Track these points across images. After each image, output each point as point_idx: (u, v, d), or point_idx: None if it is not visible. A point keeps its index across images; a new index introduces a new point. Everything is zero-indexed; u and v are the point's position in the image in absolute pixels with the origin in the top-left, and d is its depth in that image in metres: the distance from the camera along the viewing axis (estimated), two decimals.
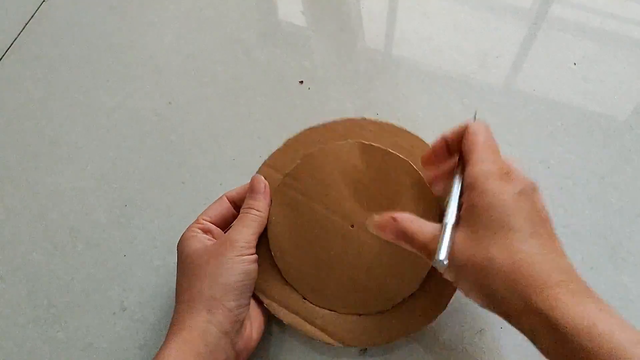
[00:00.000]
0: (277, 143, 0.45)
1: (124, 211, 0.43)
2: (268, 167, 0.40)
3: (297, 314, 0.36)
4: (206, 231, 0.35)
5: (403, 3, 0.55)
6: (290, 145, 0.40)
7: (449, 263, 0.28)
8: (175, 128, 0.47)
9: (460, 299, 0.38)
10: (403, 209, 0.32)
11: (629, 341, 0.24)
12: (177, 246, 0.35)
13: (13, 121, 0.48)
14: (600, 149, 0.45)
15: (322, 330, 0.36)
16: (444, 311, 0.36)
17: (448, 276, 0.29)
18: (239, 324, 0.33)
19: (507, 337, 0.37)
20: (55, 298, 0.40)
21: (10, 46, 0.53)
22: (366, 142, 0.38)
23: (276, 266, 0.37)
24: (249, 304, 0.34)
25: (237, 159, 0.45)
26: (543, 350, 0.26)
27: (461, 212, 0.29)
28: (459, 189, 0.31)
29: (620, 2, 0.53)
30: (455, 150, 0.33)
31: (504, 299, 0.27)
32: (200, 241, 0.34)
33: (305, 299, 0.37)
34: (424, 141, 0.39)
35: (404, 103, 0.47)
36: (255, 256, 0.34)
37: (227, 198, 0.38)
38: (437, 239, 0.29)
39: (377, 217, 0.32)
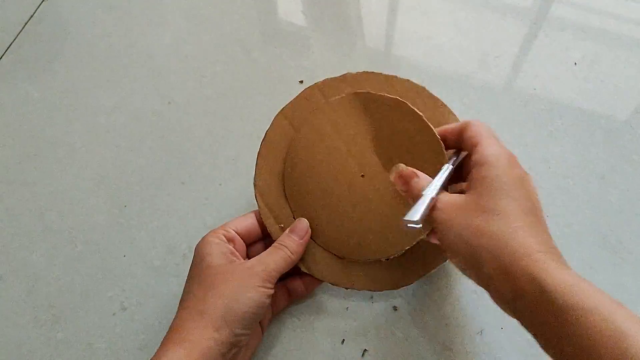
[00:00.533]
0: None
1: (124, 211, 0.43)
2: (318, 88, 0.41)
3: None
4: (229, 239, 0.35)
5: (403, 3, 0.54)
6: (347, 79, 0.41)
7: (442, 220, 0.31)
8: (175, 128, 0.47)
9: (461, 300, 0.38)
10: (415, 162, 0.36)
11: (609, 301, 0.25)
12: (197, 248, 0.35)
13: (13, 121, 0.48)
14: (600, 148, 0.45)
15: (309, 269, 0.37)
16: (445, 310, 0.36)
17: (436, 234, 0.32)
18: (238, 349, 0.33)
19: (507, 337, 0.37)
20: (55, 299, 0.40)
21: (9, 46, 0.53)
22: (410, 108, 0.38)
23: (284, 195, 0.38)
24: (252, 331, 0.34)
25: (237, 159, 0.45)
26: (522, 312, 0.28)
27: (470, 182, 0.32)
28: (449, 171, 0.34)
29: (620, 2, 0.53)
30: (449, 146, 0.36)
31: (489, 261, 0.29)
32: (224, 253, 0.34)
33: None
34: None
35: None
36: (272, 291, 0.34)
37: (255, 215, 0.38)
38: (449, 203, 0.31)
39: (402, 167, 0.34)
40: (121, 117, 0.48)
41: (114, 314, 0.39)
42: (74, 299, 0.40)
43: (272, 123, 0.41)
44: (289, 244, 0.36)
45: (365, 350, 0.37)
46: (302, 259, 0.37)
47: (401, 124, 0.38)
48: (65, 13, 0.55)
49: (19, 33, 0.54)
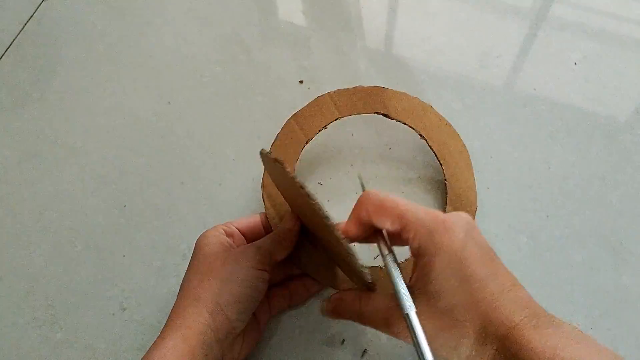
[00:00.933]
0: None
1: (124, 211, 0.43)
2: (331, 98, 0.42)
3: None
4: (229, 234, 0.36)
5: (403, 3, 0.54)
6: (358, 92, 0.42)
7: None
8: (174, 128, 0.47)
9: None
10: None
11: None
12: (197, 241, 0.35)
13: (13, 121, 0.48)
14: (600, 149, 0.45)
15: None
16: None
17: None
18: (233, 336, 0.33)
19: None
20: (55, 299, 0.40)
21: (9, 46, 0.53)
22: (415, 134, 0.40)
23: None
24: (247, 320, 0.34)
25: (237, 159, 0.45)
26: None
27: (413, 283, 0.29)
28: (397, 269, 0.30)
29: (620, 2, 0.53)
30: (366, 229, 0.31)
31: (474, 356, 0.27)
32: (221, 243, 0.34)
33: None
34: (467, 151, 0.41)
35: None
36: (267, 276, 0.34)
37: (261, 218, 0.38)
38: (391, 314, 0.29)
39: (326, 302, 0.33)
40: (121, 117, 0.48)
41: (113, 314, 0.39)
42: (74, 299, 0.40)
43: (283, 126, 0.42)
44: (280, 230, 0.36)
45: (365, 350, 0.37)
46: (305, 263, 0.37)
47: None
48: (65, 13, 0.55)
49: (18, 33, 0.54)
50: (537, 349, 0.25)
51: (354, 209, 0.31)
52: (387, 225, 0.29)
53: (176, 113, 0.48)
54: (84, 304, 0.39)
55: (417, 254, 0.29)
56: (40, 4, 0.56)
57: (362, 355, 0.37)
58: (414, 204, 0.29)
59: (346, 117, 0.42)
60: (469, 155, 0.41)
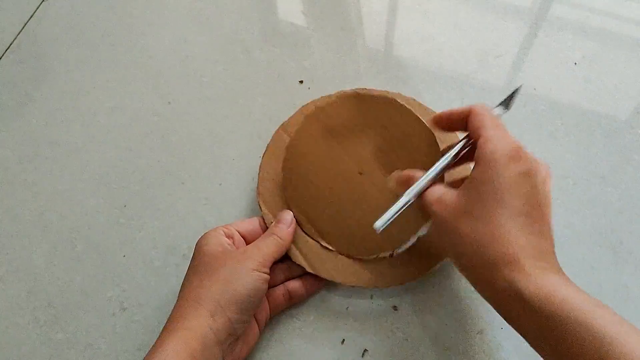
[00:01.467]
0: None
1: (124, 212, 0.43)
2: (313, 103, 0.43)
3: (304, 255, 0.38)
4: (229, 236, 0.36)
5: (403, 3, 0.54)
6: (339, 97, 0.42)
7: (435, 220, 0.31)
8: (175, 128, 0.47)
9: (461, 300, 0.38)
10: (413, 161, 0.37)
11: (588, 304, 0.26)
12: (197, 242, 0.35)
13: (13, 121, 0.48)
14: (600, 148, 0.45)
15: (306, 258, 0.38)
16: (445, 310, 0.36)
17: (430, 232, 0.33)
18: (234, 338, 0.33)
19: (507, 338, 0.37)
20: (55, 299, 0.40)
21: (9, 46, 0.53)
22: (400, 103, 0.40)
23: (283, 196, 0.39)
24: (248, 321, 0.34)
25: (237, 159, 0.45)
26: (508, 318, 0.29)
27: (468, 180, 0.31)
28: (444, 163, 0.33)
29: (620, 2, 0.53)
30: (456, 128, 0.35)
31: (471, 269, 0.29)
32: (221, 244, 0.35)
33: (303, 229, 0.38)
34: (457, 135, 0.41)
35: None
36: (267, 277, 0.34)
37: (259, 221, 0.39)
38: (440, 201, 0.31)
39: (397, 174, 0.34)
40: (121, 117, 0.48)
41: (113, 314, 0.39)
42: (74, 299, 0.40)
43: (272, 136, 0.43)
44: (277, 231, 0.37)
45: (365, 350, 0.37)
46: (307, 259, 0.38)
47: (393, 120, 0.39)
48: (65, 13, 0.55)
49: (18, 33, 0.54)
50: (533, 284, 0.27)
51: (463, 109, 0.33)
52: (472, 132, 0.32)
53: (176, 113, 0.48)
54: (84, 304, 0.39)
55: (479, 162, 0.30)
56: (41, 3, 0.56)
57: (362, 355, 0.37)
58: (504, 127, 0.31)
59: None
60: (457, 136, 0.41)
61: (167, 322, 0.32)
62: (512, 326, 0.29)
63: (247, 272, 0.33)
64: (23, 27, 0.54)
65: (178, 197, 0.43)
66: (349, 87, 0.48)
